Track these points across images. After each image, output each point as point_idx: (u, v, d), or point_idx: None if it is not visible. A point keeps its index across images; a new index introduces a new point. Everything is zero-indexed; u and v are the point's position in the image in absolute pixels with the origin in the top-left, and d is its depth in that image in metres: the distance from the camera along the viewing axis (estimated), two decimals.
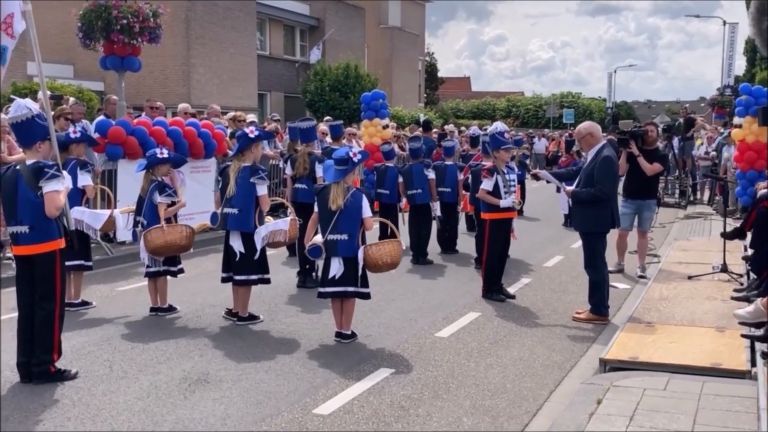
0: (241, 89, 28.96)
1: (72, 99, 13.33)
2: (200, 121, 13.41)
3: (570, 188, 8.21)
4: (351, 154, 6.87)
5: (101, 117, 12.26)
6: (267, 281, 7.81)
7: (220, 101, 22.37)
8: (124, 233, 9.71)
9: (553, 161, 26.12)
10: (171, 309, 8.06)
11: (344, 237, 6.92)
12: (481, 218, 9.29)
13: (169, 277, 8.07)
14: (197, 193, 12.05)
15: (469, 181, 11.06)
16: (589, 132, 8.25)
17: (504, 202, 8.80)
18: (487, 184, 8.91)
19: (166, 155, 8.00)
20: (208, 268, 10.58)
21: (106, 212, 8.21)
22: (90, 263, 8.31)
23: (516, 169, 9.88)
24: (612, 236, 8.86)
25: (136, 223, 8.02)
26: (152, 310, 8.00)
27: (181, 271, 8.19)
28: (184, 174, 9.80)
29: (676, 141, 20.89)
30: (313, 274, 9.50)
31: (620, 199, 9.86)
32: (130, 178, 11.21)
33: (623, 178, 10.44)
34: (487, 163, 9.29)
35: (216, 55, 27.66)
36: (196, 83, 26.92)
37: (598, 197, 7.84)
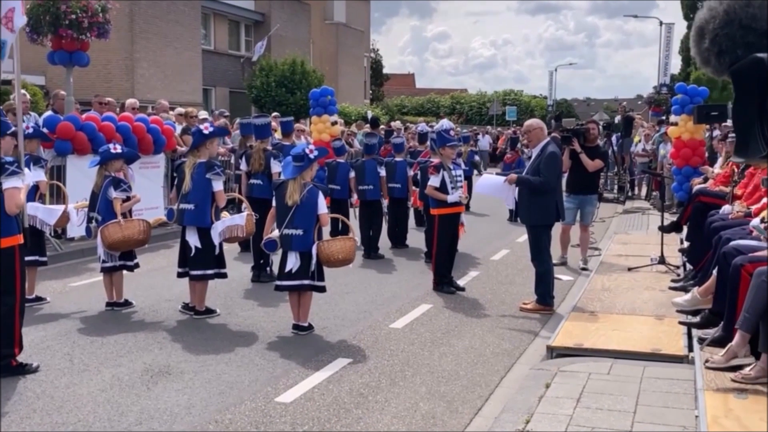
0: (186, 84, 28.76)
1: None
2: (148, 117, 13.39)
3: (515, 175, 8.49)
4: (308, 151, 7.05)
5: (49, 112, 12.16)
6: (224, 276, 7.93)
7: (165, 96, 22.18)
8: (76, 229, 9.69)
9: (499, 158, 26.62)
10: (127, 303, 8.12)
11: (299, 232, 7.08)
12: (431, 214, 9.57)
13: (124, 272, 8.12)
14: (146, 189, 12.04)
15: (418, 177, 11.34)
16: (540, 126, 8.60)
17: (451, 198, 9.06)
18: (434, 181, 9.17)
19: (119, 151, 8.05)
20: (159, 264, 10.63)
21: (60, 208, 8.21)
22: (45, 258, 8.33)
23: (462, 165, 10.19)
24: (556, 230, 9.22)
25: (89, 219, 8.03)
26: (108, 304, 8.05)
27: (137, 265, 8.25)
28: (133, 170, 9.82)
29: (615, 138, 21.54)
30: (268, 268, 9.65)
31: (563, 194, 10.22)
32: (79, 173, 11.19)
33: (566, 174, 10.80)
34: (435, 160, 9.55)
35: (160, 49, 27.41)
36: (140, 78, 26.65)
37: (542, 188, 8.17)
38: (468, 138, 17.29)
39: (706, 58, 2.04)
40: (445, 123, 9.99)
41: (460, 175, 9.32)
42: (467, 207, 11.15)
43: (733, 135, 9.93)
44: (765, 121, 1.88)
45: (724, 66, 2.01)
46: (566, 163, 10.51)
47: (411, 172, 12.10)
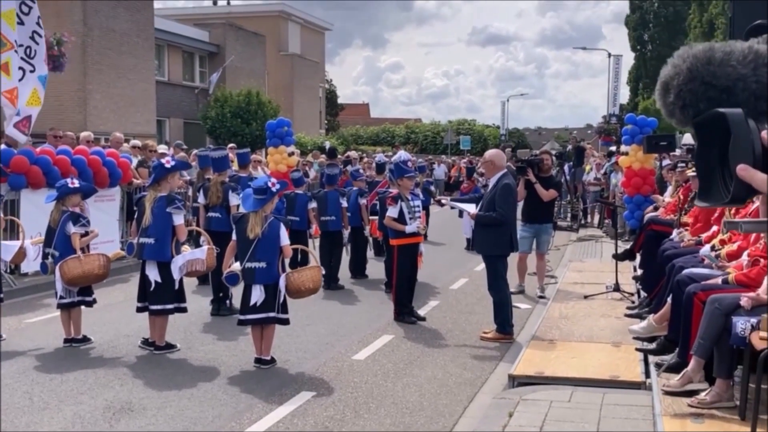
0: (140, 115, 28.55)
1: None
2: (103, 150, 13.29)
3: (474, 211, 8.67)
4: (270, 184, 7.09)
5: (2, 146, 12.00)
6: (184, 310, 7.90)
7: (118, 128, 22.05)
8: (30, 264, 9.55)
9: (455, 186, 26.91)
10: (85, 340, 8.02)
11: (263, 265, 7.10)
12: (390, 244, 9.67)
13: (82, 308, 8.03)
14: (101, 223, 11.89)
15: (377, 207, 11.45)
16: (492, 160, 8.77)
17: (409, 228, 9.18)
18: (392, 212, 9.29)
19: (77, 185, 8.00)
20: (116, 299, 10.51)
21: (16, 243, 8.11)
22: (1, 295, 8.19)
23: (420, 196, 10.34)
24: (513, 259, 9.38)
25: (45, 255, 7.95)
26: (66, 341, 7.94)
27: (95, 301, 8.16)
28: (88, 203, 9.74)
29: (567, 167, 21.92)
30: (227, 301, 9.62)
31: (519, 223, 10.40)
32: (34, 208, 11.05)
33: (522, 204, 11.00)
34: (393, 191, 9.67)
35: (113, 81, 27.21)
36: (92, 110, 26.38)
37: (499, 221, 8.34)
38: (424, 168, 17.57)
39: (671, 111, 2.17)
40: (402, 154, 10.14)
41: (418, 206, 9.47)
42: (425, 237, 11.27)
43: (682, 164, 10.28)
44: (726, 170, 2.02)
45: (687, 118, 2.14)
46: (521, 193, 10.69)
47: (362, 201, 12.29)
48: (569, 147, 24.46)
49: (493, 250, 8.50)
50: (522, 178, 10.87)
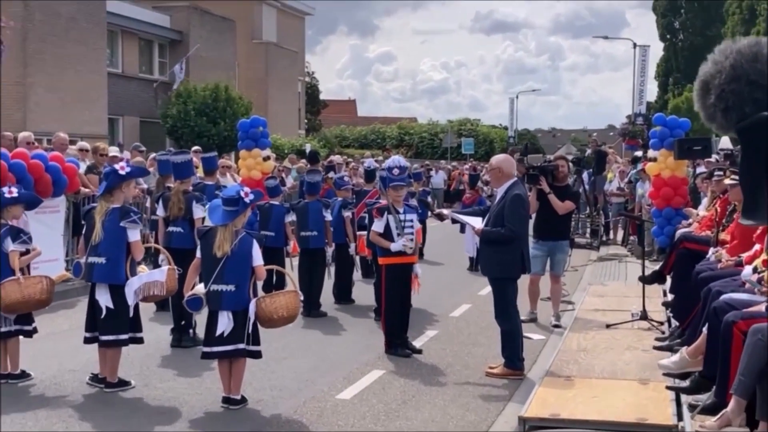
0: (88, 113, 28.53)
1: None
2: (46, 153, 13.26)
3: (479, 226, 8.68)
4: (242, 194, 7.09)
5: None
6: (140, 341, 7.89)
7: (63, 127, 21.89)
8: None
9: (455, 197, 26.94)
10: (24, 375, 7.97)
11: (231, 288, 7.09)
12: (379, 263, 9.69)
13: (21, 338, 7.99)
14: (44, 238, 11.82)
15: (366, 221, 11.47)
16: (500, 166, 8.77)
17: (394, 246, 9.20)
18: (377, 225, 9.35)
19: (16, 194, 7.98)
20: (60, 327, 10.48)
21: None
22: None
23: (417, 208, 10.32)
24: (523, 282, 9.40)
25: None
26: (2, 376, 7.89)
27: (36, 330, 8.13)
28: (28, 215, 9.71)
29: (586, 175, 21.99)
30: (190, 330, 9.60)
31: (531, 240, 10.43)
32: None
33: (533, 218, 11.03)
34: (383, 201, 9.67)
35: (58, 73, 27.20)
36: (33, 106, 26.37)
37: (509, 238, 8.36)
38: (420, 175, 17.55)
39: (712, 114, 2.17)
40: (396, 160, 10.08)
41: (410, 220, 9.42)
42: (421, 255, 11.29)
43: (719, 172, 10.34)
44: None
45: (730, 123, 2.14)
46: (533, 205, 10.72)
47: (347, 214, 12.35)
48: (588, 151, 24.57)
49: (501, 272, 8.52)
50: (534, 188, 10.92)
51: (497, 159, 9.01)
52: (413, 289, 9.71)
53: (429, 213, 15.12)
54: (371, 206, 10.71)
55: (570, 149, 39.60)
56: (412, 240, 9.29)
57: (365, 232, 11.60)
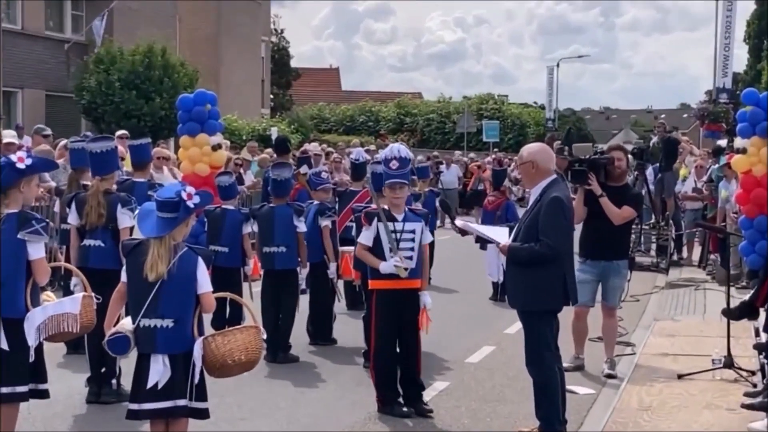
0: None
1: None
2: None
3: (506, 242, 8.62)
4: (184, 196, 7.04)
5: None
6: (44, 394, 7.82)
7: None
8: None
9: (473, 200, 26.90)
10: None
11: (169, 323, 7.03)
12: (369, 288, 9.67)
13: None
14: None
15: (353, 232, 11.43)
16: (533, 159, 8.64)
17: (384, 266, 9.20)
18: (364, 237, 9.38)
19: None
20: None
21: None
22: None
23: (428, 215, 10.23)
24: (566, 316, 9.36)
25: None
26: None
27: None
28: None
29: (650, 172, 21.91)
30: (113, 381, 9.55)
31: (577, 260, 10.40)
32: None
33: (579, 229, 10.98)
34: (374, 206, 9.63)
35: None
36: None
37: (546, 256, 8.26)
38: (426, 171, 17.44)
39: None
40: (395, 149, 9.96)
41: (412, 231, 9.38)
42: (428, 279, 11.23)
43: None
44: None
45: None
46: (579, 213, 10.70)
47: (326, 223, 12.30)
48: (654, 140, 24.52)
49: (534, 303, 8.44)
50: (580, 189, 10.89)
51: (530, 149, 8.90)
52: (422, 328, 9.60)
53: (439, 221, 15.07)
54: (360, 212, 10.70)
55: (629, 136, 39.65)
56: (411, 259, 9.25)
57: (351, 248, 11.58)
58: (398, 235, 9.27)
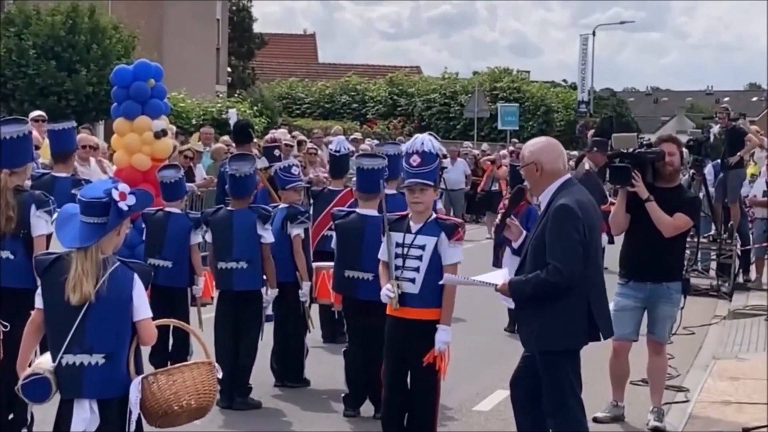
0: None
1: None
2: None
3: (504, 280, 8.52)
4: (115, 195, 7.03)
5: None
6: None
7: None
8: None
9: (486, 203, 26.94)
10: None
11: (98, 359, 7.03)
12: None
13: None
14: None
15: (332, 244, 11.45)
16: (536, 160, 8.41)
17: (382, 292, 9.26)
18: (381, 251, 9.36)
19: None
20: None
21: None
22: None
23: (450, 228, 9.98)
24: (602, 351, 9.34)
25: None
26: None
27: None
28: None
29: (709, 170, 21.94)
30: (23, 430, 9.56)
31: (618, 282, 10.38)
32: None
33: (621, 242, 10.97)
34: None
35: None
36: None
37: (557, 285, 8.12)
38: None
39: None
40: (422, 140, 9.86)
41: (422, 247, 9.26)
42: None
43: None
44: None
45: None
46: (620, 222, 10.72)
47: (298, 232, 12.24)
48: (715, 129, 24.59)
49: (552, 342, 8.35)
50: (621, 191, 10.88)
51: (531, 148, 8.61)
52: (439, 371, 9.56)
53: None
54: (341, 218, 10.71)
55: (684, 125, 39.82)
56: (413, 282, 9.22)
57: (329, 264, 11.59)
58: (405, 249, 9.27)
